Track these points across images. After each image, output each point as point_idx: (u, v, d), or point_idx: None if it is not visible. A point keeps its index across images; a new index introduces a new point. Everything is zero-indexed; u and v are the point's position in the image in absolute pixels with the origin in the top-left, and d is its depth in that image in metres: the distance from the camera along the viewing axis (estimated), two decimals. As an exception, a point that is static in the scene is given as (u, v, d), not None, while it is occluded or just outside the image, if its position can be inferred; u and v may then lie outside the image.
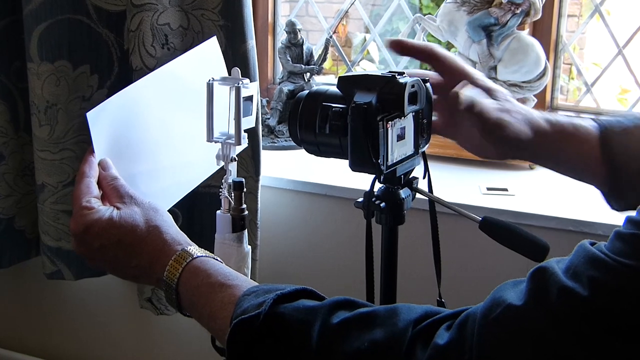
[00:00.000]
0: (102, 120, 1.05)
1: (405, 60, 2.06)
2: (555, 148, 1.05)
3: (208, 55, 1.20)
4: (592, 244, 0.72)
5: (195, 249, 0.95)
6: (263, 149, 1.66)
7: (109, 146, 1.07)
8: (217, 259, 0.95)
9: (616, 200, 1.06)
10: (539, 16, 1.75)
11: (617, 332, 0.67)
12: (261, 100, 1.90)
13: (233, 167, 1.13)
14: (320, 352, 0.78)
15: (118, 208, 0.99)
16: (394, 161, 1.11)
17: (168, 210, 1.03)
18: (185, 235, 0.99)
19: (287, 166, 1.81)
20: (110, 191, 1.02)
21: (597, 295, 0.68)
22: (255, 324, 0.81)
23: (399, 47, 1.12)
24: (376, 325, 0.78)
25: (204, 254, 0.95)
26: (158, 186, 1.14)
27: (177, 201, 1.19)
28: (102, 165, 1.05)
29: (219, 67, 1.21)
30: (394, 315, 0.78)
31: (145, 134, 1.12)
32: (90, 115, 1.03)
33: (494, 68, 1.77)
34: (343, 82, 1.11)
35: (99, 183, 1.03)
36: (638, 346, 0.66)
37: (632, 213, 0.72)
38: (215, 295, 0.89)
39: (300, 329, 0.80)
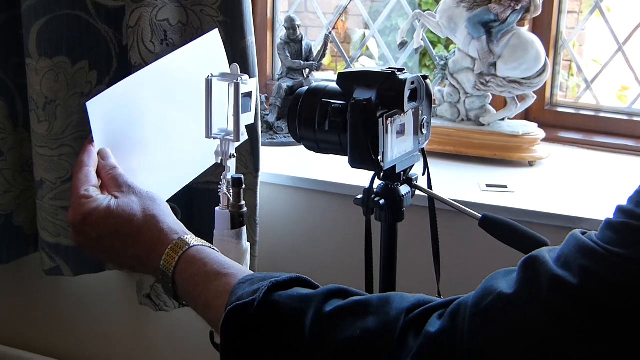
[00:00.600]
0: (101, 110, 1.05)
1: (404, 56, 2.06)
2: None
3: (210, 47, 1.20)
4: (583, 234, 0.73)
5: (191, 238, 0.95)
6: (262, 145, 1.66)
7: (108, 136, 1.07)
8: (213, 248, 0.95)
9: None
10: (538, 12, 1.74)
11: (607, 319, 0.67)
12: (260, 97, 1.89)
13: (232, 163, 1.13)
14: (313, 339, 0.78)
15: (116, 197, 0.99)
16: (394, 158, 1.11)
17: None
18: (182, 225, 0.99)
19: (286, 163, 1.81)
20: (109, 180, 1.02)
21: (587, 284, 0.68)
22: (249, 311, 0.81)
23: None
24: (369, 314, 0.78)
25: (200, 243, 0.95)
26: (155, 178, 1.13)
27: (173, 194, 1.19)
28: (101, 154, 1.05)
29: (221, 60, 1.20)
30: (387, 303, 0.79)
31: (144, 125, 1.12)
32: (90, 104, 1.03)
33: (494, 65, 1.76)
34: (343, 78, 1.11)
35: (97, 172, 1.03)
36: (626, 334, 0.66)
37: None
38: (211, 284, 0.89)
39: (294, 317, 0.80)
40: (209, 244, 0.96)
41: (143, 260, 0.97)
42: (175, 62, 1.15)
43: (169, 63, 1.14)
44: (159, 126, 1.14)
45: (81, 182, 1.00)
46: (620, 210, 0.71)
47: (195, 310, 0.92)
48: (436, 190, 1.20)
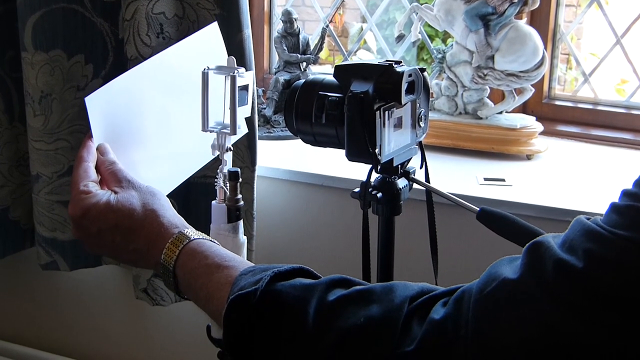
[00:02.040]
0: (100, 105, 1.05)
1: (402, 49, 2.05)
2: None
3: (209, 40, 1.19)
4: (588, 219, 0.73)
5: (192, 232, 0.96)
6: (259, 139, 1.65)
7: (107, 131, 1.07)
8: (213, 241, 0.96)
9: None
10: (536, 5, 1.74)
11: (612, 304, 0.67)
12: (257, 90, 1.89)
13: (228, 157, 1.12)
14: (317, 328, 0.78)
15: (115, 192, 1.00)
16: (391, 151, 1.10)
17: None
18: (182, 219, 1.00)
19: (283, 156, 1.80)
20: (108, 176, 1.03)
21: (592, 267, 0.68)
22: (252, 301, 0.81)
23: None
24: (372, 302, 0.78)
25: (200, 237, 0.95)
26: (156, 172, 1.13)
27: (174, 187, 1.18)
28: (100, 150, 1.06)
29: (221, 53, 1.20)
30: (390, 292, 0.79)
31: (144, 120, 1.12)
32: (89, 100, 1.03)
33: (492, 58, 1.76)
34: (339, 71, 1.10)
35: (97, 168, 1.04)
36: (633, 317, 0.66)
37: None
38: (212, 276, 0.90)
39: (297, 306, 0.80)
40: (210, 237, 0.97)
41: (144, 255, 0.97)
42: (175, 55, 1.14)
43: (168, 57, 1.14)
44: (159, 120, 1.14)
45: (80, 178, 1.01)
46: (625, 194, 0.71)
47: (197, 304, 0.92)
48: (434, 184, 1.20)
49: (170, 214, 0.99)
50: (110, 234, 0.98)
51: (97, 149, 1.05)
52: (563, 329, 0.68)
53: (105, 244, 1.00)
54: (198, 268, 0.91)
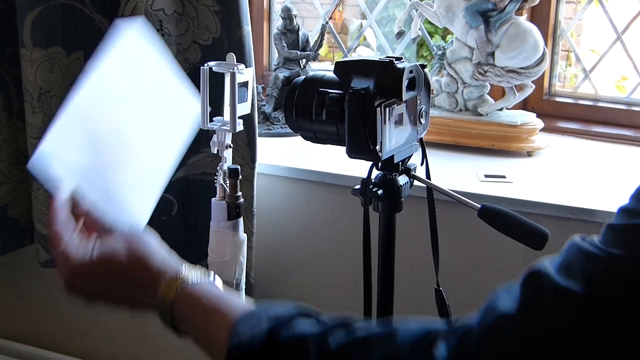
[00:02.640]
0: (48, 161, 0.97)
1: (402, 46, 2.05)
2: None
3: (134, 40, 1.11)
4: (583, 239, 0.72)
5: (183, 276, 0.93)
6: (259, 136, 1.65)
7: (75, 172, 0.99)
8: (208, 274, 0.94)
9: None
10: (537, 2, 1.73)
11: (616, 322, 0.66)
12: (257, 87, 1.88)
13: (228, 154, 1.12)
14: None
15: (99, 243, 0.97)
16: (392, 148, 1.10)
17: (161, 197, 1.01)
18: (173, 256, 0.97)
19: (283, 153, 1.80)
20: (88, 224, 0.99)
21: (592, 290, 0.67)
22: (251, 352, 0.81)
23: None
24: (374, 347, 0.77)
25: (193, 279, 0.93)
26: (141, 187, 1.09)
27: (168, 182, 1.16)
28: (73, 199, 1.00)
29: (155, 45, 1.12)
30: (392, 335, 0.78)
31: (109, 138, 1.05)
32: (32, 165, 0.96)
33: (492, 54, 1.75)
34: (340, 67, 1.10)
35: (76, 217, 0.99)
36: (636, 334, 0.66)
37: None
38: (209, 321, 0.89)
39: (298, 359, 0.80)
40: (203, 273, 0.94)
41: (141, 302, 0.97)
42: (107, 68, 1.07)
43: (101, 74, 1.06)
44: (125, 132, 1.08)
45: (58, 238, 0.96)
46: (622, 211, 0.71)
47: (198, 346, 0.92)
48: (434, 181, 1.19)
49: (159, 258, 0.96)
50: (104, 288, 0.97)
51: (70, 199, 0.99)
52: (570, 353, 0.68)
53: (101, 297, 0.99)
54: (195, 314, 0.91)
